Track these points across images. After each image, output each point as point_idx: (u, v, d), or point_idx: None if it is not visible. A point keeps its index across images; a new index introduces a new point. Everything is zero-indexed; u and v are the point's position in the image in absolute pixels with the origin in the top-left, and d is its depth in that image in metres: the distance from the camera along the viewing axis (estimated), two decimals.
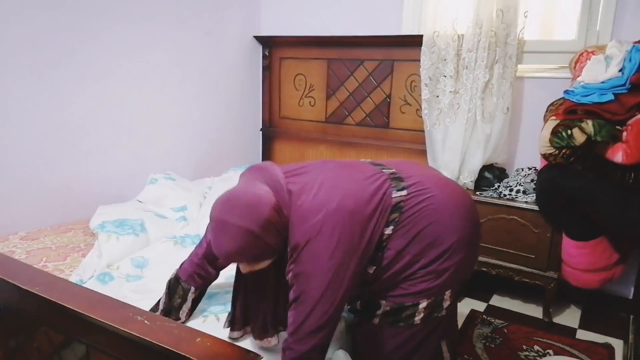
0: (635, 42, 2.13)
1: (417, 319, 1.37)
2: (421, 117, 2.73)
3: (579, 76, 2.26)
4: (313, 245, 1.20)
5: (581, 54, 2.32)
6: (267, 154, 3.41)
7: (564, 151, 2.12)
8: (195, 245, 1.55)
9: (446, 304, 1.41)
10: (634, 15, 2.28)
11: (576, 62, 2.33)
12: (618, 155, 1.96)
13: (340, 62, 3.00)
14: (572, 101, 2.10)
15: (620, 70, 2.04)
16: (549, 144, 2.14)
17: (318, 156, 3.19)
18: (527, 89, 2.58)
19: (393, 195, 1.32)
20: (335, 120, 3.10)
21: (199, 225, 2.12)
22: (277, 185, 1.25)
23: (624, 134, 1.97)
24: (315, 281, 1.20)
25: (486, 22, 2.37)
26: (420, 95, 2.73)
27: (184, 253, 1.69)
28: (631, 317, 2.34)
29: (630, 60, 2.02)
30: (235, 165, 3.22)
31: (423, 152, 2.76)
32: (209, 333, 0.96)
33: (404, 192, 1.34)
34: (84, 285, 1.54)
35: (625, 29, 2.31)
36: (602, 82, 2.05)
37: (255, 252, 1.21)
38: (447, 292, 1.40)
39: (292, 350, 1.21)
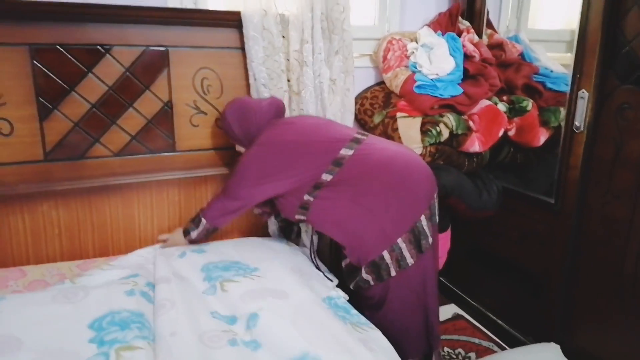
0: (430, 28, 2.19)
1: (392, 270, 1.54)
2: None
3: (397, 66, 2.14)
4: None
5: (389, 42, 2.18)
6: None
7: (429, 149, 1.99)
8: None
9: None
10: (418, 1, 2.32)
11: (386, 51, 2.17)
12: (475, 145, 2.02)
13: (62, 49, 1.62)
14: (435, 96, 1.96)
15: None
16: (421, 144, 1.96)
17: (40, 226, 1.71)
18: None
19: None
20: (70, 156, 1.72)
21: None
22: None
23: (471, 123, 2.04)
24: None
25: (317, 1, 1.81)
26: (219, 98, 1.89)
27: None
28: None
29: (455, 49, 2.05)
30: None
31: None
32: None
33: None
34: None
35: (409, 14, 2.32)
36: (449, 74, 2.00)
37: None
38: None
39: None
